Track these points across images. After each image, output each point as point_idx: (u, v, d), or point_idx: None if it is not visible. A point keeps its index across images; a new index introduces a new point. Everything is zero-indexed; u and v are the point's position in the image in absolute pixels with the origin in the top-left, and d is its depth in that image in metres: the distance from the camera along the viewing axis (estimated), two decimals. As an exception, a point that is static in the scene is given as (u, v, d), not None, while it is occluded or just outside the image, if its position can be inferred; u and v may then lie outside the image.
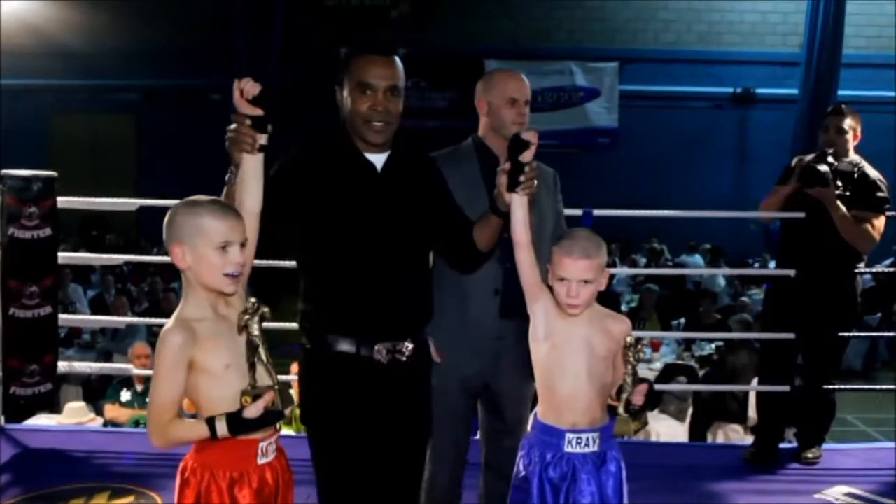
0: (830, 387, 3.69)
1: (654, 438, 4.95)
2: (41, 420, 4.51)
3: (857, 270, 3.63)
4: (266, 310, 1.73)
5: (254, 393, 1.74)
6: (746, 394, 5.17)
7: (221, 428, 1.73)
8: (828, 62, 10.45)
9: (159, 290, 8.62)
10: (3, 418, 3.80)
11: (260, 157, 1.93)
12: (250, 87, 1.86)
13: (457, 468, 2.66)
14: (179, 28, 12.62)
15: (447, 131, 3.67)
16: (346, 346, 2.10)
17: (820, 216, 3.50)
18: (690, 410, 5.46)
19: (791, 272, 3.66)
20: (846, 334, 3.68)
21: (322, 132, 2.16)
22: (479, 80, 2.70)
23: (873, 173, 3.59)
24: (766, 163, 10.35)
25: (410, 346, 2.15)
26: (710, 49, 13.10)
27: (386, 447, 2.16)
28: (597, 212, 3.85)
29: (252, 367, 1.75)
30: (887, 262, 9.60)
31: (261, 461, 1.84)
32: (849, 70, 10.80)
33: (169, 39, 12.57)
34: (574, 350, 2.07)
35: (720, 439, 5.29)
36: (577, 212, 3.69)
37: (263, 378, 1.76)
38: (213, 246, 1.77)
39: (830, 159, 3.54)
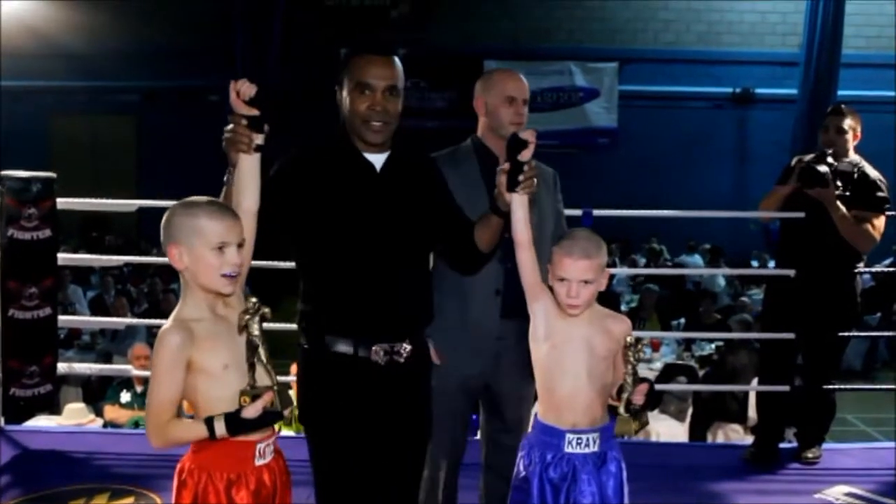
0: (830, 386, 3.69)
1: (654, 438, 4.95)
2: (41, 421, 4.51)
3: (856, 270, 3.63)
4: (267, 310, 1.73)
5: (253, 393, 1.74)
6: (746, 394, 5.17)
7: (220, 428, 1.73)
8: (827, 62, 10.45)
9: (159, 291, 8.62)
10: (2, 419, 3.80)
11: (257, 157, 1.93)
12: (246, 88, 1.86)
13: (454, 468, 2.66)
14: (179, 29, 12.63)
15: (447, 132, 3.68)
16: (343, 347, 2.10)
17: (819, 216, 3.50)
18: (690, 410, 5.46)
19: (791, 272, 3.66)
20: (846, 334, 3.68)
21: (322, 132, 2.16)
22: (478, 80, 2.70)
23: (873, 173, 3.59)
24: (765, 163, 10.35)
25: (408, 347, 2.14)
26: (710, 49, 13.10)
27: (384, 448, 2.15)
28: (596, 212, 3.85)
29: (252, 367, 1.75)
30: (887, 261, 9.61)
31: (258, 463, 1.83)
32: (848, 70, 10.80)
33: (169, 40, 12.58)
34: (574, 350, 2.07)
35: (720, 439, 5.29)
36: (577, 212, 3.69)
37: (263, 378, 1.75)
38: (210, 246, 1.77)
39: (830, 160, 3.54)
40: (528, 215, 2.07)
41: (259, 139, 1.90)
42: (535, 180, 2.06)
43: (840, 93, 10.28)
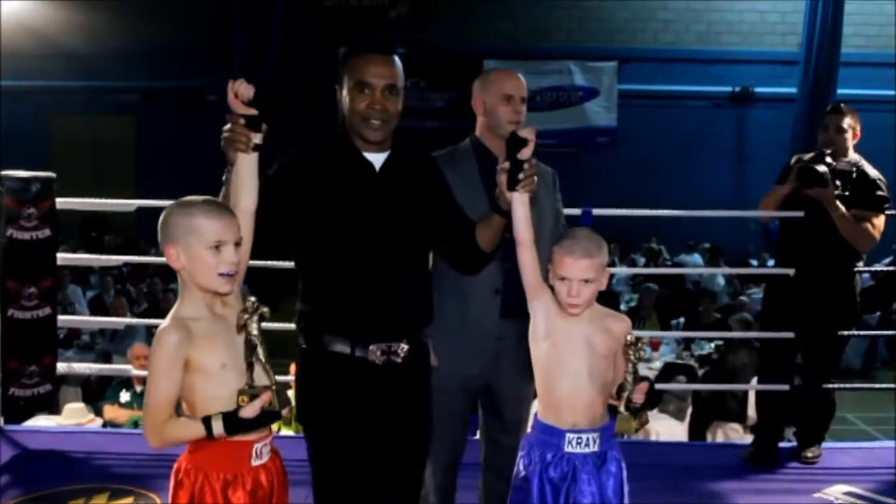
0: (830, 386, 3.69)
1: (653, 438, 4.95)
2: (40, 421, 4.51)
3: (856, 269, 3.63)
4: (266, 310, 1.73)
5: (251, 392, 1.74)
6: (746, 393, 5.18)
7: (217, 427, 1.73)
8: (826, 61, 10.45)
9: (158, 290, 8.61)
10: (2, 419, 3.80)
11: (255, 156, 1.92)
12: (244, 89, 1.86)
13: (453, 468, 2.65)
14: (179, 29, 12.63)
15: (446, 131, 3.67)
16: (340, 347, 2.09)
17: (819, 215, 3.50)
18: (690, 410, 5.47)
19: (790, 271, 3.66)
20: (845, 333, 3.68)
21: (321, 132, 2.17)
22: (476, 79, 2.70)
23: (873, 172, 3.59)
24: (765, 162, 10.34)
25: (406, 347, 2.12)
26: (709, 48, 13.11)
27: (382, 449, 2.15)
28: (596, 211, 3.85)
29: (250, 366, 1.75)
30: (886, 261, 9.61)
31: (255, 463, 1.83)
32: (847, 69, 10.80)
33: (168, 40, 12.58)
34: (575, 349, 2.06)
35: (720, 438, 5.30)
36: (577, 211, 3.69)
37: (261, 378, 1.75)
38: (206, 245, 1.77)
39: (829, 159, 3.54)
40: (529, 214, 2.06)
41: (257, 139, 1.90)
42: (536, 178, 2.05)
43: (839, 92, 10.29)
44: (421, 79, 12.49)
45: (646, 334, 6.66)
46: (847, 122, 3.60)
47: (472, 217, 2.26)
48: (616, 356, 2.08)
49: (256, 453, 1.83)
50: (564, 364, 2.07)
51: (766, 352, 3.94)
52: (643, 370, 5.20)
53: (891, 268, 6.89)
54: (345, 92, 2.12)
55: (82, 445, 3.73)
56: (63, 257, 4.22)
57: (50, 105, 13.31)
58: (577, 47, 13.24)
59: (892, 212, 3.66)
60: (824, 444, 3.76)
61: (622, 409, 2.00)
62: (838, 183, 3.50)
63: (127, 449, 3.62)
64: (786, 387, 3.70)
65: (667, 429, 5.15)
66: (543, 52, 13.05)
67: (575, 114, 13.27)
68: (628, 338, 1.98)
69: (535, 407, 2.19)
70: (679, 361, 6.43)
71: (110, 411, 5.22)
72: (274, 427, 1.90)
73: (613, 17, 13.24)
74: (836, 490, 3.35)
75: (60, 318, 4.07)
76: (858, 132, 3.64)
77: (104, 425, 4.99)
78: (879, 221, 3.55)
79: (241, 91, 1.86)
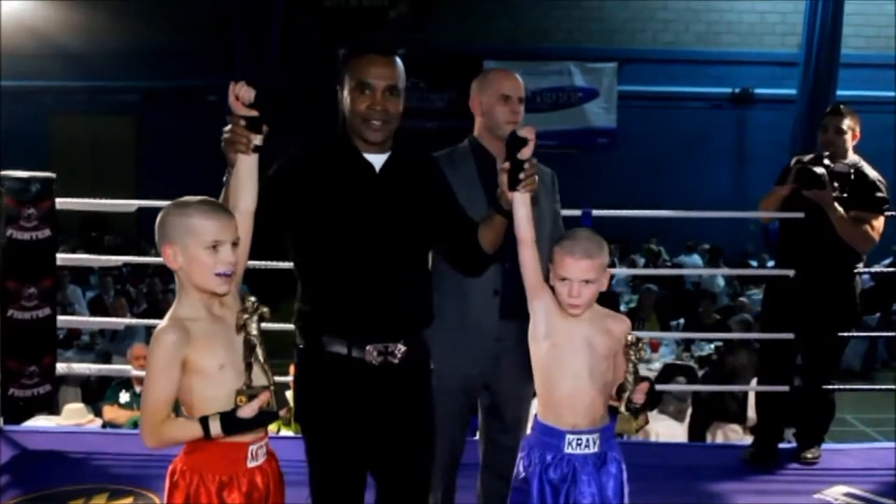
0: (829, 387, 3.69)
1: (653, 439, 4.95)
2: (40, 421, 4.50)
3: (856, 270, 3.63)
4: (265, 310, 1.73)
5: (249, 393, 1.74)
6: (745, 394, 5.17)
7: (215, 428, 1.72)
8: (826, 62, 10.45)
9: (158, 291, 8.61)
10: (1, 420, 3.79)
11: (255, 157, 1.93)
12: (245, 91, 1.86)
13: (452, 468, 2.65)
14: (179, 29, 12.62)
15: (446, 132, 3.68)
16: (338, 347, 2.08)
17: (818, 216, 3.50)
18: (690, 411, 5.46)
19: (790, 272, 3.65)
20: (845, 334, 3.68)
21: (321, 132, 2.16)
22: (474, 80, 2.70)
23: (872, 173, 3.59)
24: (764, 163, 10.34)
25: (403, 348, 2.11)
26: (709, 49, 13.10)
27: (381, 450, 2.14)
28: (596, 212, 3.85)
29: (249, 366, 1.75)
30: (886, 262, 9.60)
31: (251, 464, 1.83)
32: (847, 70, 10.80)
33: (168, 40, 12.57)
34: (575, 350, 2.06)
35: (719, 439, 5.29)
36: (577, 212, 3.69)
37: (259, 378, 1.75)
38: (203, 245, 1.77)
39: (827, 161, 3.54)
40: (530, 213, 2.06)
41: (257, 140, 1.90)
42: (536, 178, 2.05)
43: (839, 93, 10.28)
44: (421, 79, 12.47)
45: (645, 335, 6.65)
46: (847, 123, 3.60)
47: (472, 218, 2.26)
48: (616, 357, 2.08)
49: (252, 455, 1.83)
50: (564, 364, 2.06)
51: (765, 353, 3.94)
52: (642, 371, 5.21)
53: (891, 269, 6.90)
54: (345, 92, 2.12)
55: (82, 446, 3.72)
56: (63, 257, 4.22)
57: (50, 105, 13.30)
58: (576, 48, 13.23)
59: (892, 213, 3.66)
60: (824, 446, 3.75)
61: (622, 409, 2.00)
62: (836, 185, 3.50)
63: (126, 449, 3.62)
64: (785, 388, 3.70)
65: (666, 430, 5.15)
66: (543, 52, 13.05)
67: (574, 115, 13.26)
68: (629, 338, 1.98)
69: (535, 408, 2.19)
70: (679, 362, 6.43)
71: (110, 412, 5.21)
72: (274, 428, 1.89)
73: (613, 18, 13.24)
74: (836, 491, 3.35)
75: (60, 318, 4.07)
76: (858, 133, 3.64)
77: (104, 426, 4.99)
78: (879, 223, 3.55)
79: (242, 94, 1.86)
